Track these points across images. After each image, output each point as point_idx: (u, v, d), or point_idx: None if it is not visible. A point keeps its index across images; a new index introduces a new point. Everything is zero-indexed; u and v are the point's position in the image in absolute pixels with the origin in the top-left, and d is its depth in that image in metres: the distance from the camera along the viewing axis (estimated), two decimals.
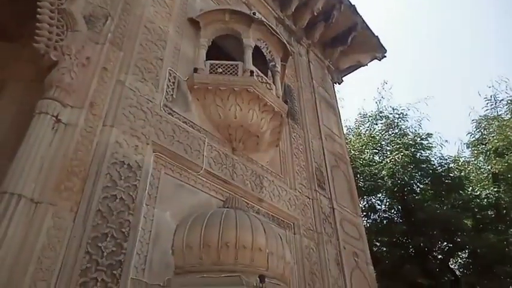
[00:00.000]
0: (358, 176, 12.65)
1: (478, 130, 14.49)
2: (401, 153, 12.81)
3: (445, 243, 12.75)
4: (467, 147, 14.80)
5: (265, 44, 6.32)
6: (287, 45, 6.80)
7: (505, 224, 12.35)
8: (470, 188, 12.96)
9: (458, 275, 12.72)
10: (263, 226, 4.35)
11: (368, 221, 13.40)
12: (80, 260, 3.14)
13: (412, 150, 13.27)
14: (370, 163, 13.72)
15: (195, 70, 5.32)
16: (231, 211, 4.40)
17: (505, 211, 12.54)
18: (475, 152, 14.29)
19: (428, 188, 13.00)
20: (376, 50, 10.09)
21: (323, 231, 6.04)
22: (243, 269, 3.87)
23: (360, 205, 10.07)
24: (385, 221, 13.30)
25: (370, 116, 15.84)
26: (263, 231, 4.25)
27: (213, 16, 6.05)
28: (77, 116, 3.69)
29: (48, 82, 3.67)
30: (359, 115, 16.42)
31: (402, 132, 14.56)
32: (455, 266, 13.50)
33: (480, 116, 14.71)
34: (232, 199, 4.79)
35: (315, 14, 8.76)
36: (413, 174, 12.95)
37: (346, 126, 15.25)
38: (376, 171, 13.07)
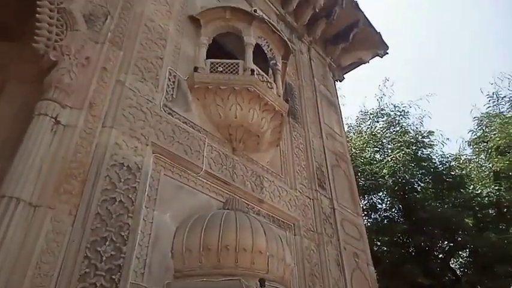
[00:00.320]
0: (359, 174, 12.61)
1: (479, 128, 14.42)
2: (403, 152, 12.76)
3: (446, 242, 12.73)
4: (469, 145, 14.73)
5: (266, 42, 6.25)
6: (288, 43, 6.73)
7: (506, 223, 12.31)
8: (472, 186, 12.91)
9: (459, 274, 12.72)
10: (263, 228, 4.33)
11: (369, 220, 13.38)
12: (78, 264, 3.10)
13: (413, 148, 13.22)
14: (371, 161, 13.68)
15: (196, 69, 5.26)
16: (231, 213, 4.37)
17: (506, 210, 12.50)
18: (477, 150, 14.22)
19: (430, 186, 12.97)
20: (378, 46, 10.00)
21: (323, 231, 6.01)
22: (243, 272, 3.86)
23: (361, 204, 10.05)
24: (385, 220, 13.28)
25: (371, 114, 15.76)
26: (263, 233, 4.23)
27: (213, 14, 5.98)
28: (76, 117, 3.65)
29: (47, 83, 3.62)
30: (360, 113, 16.35)
31: (403, 130, 14.49)
32: (456, 265, 13.50)
33: (482, 114, 14.63)
34: (232, 200, 4.77)
35: (317, 10, 8.67)
36: (415, 172, 12.90)
37: (347, 124, 15.21)
38: (377, 169, 13.03)
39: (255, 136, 5.52)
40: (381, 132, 14.86)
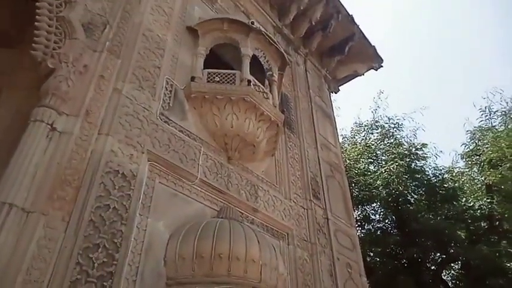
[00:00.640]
0: (353, 185, 12.68)
1: (472, 141, 14.58)
2: (396, 163, 12.86)
3: (438, 254, 12.78)
4: (462, 158, 14.89)
5: (263, 53, 6.33)
6: (285, 54, 6.83)
7: (498, 236, 12.39)
8: (464, 199, 13.04)
9: (451, 286, 12.74)
10: (257, 237, 4.34)
11: (362, 231, 13.42)
12: (70, 271, 3.09)
13: (407, 160, 13.35)
14: (365, 173, 13.77)
15: (193, 79, 5.32)
16: (225, 221, 4.39)
17: (497, 222, 12.60)
18: (469, 163, 14.37)
19: (423, 198, 13.06)
20: (372, 60, 10.16)
21: (317, 241, 6.02)
22: (236, 280, 3.87)
23: (354, 215, 10.06)
24: (379, 231, 13.33)
25: (365, 126, 15.90)
26: (257, 242, 4.24)
27: (211, 25, 6.07)
28: (72, 124, 3.67)
29: (44, 90, 3.65)
30: (355, 124, 16.50)
31: (397, 142, 14.63)
32: (448, 277, 13.52)
33: (475, 127, 14.81)
34: (226, 209, 4.78)
35: (313, 23, 8.81)
36: (408, 184, 13.00)
37: (341, 135, 15.31)
38: (371, 180, 13.11)
39: (250, 146, 5.56)
40: (375, 144, 14.99)
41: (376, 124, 15.62)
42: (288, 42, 8.61)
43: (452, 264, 13.24)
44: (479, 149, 13.87)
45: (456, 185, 13.57)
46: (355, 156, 14.41)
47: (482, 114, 14.80)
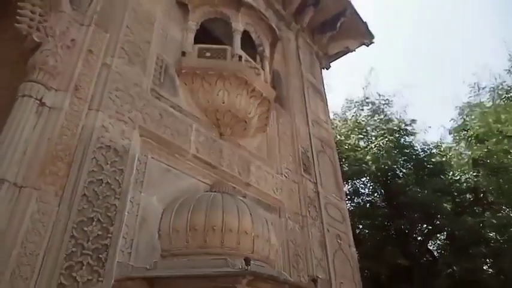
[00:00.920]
0: (344, 160, 12.84)
1: (460, 117, 14.77)
2: (386, 139, 13.03)
3: (425, 225, 13.18)
4: (450, 134, 15.10)
5: (254, 29, 6.26)
6: (276, 30, 6.75)
7: (482, 207, 12.81)
8: (451, 172, 13.33)
9: (437, 256, 13.21)
10: (249, 210, 4.43)
11: (352, 204, 13.71)
12: (65, 244, 3.15)
13: (397, 135, 13.53)
14: (356, 148, 13.92)
15: (183, 54, 5.26)
16: (217, 195, 4.45)
17: (482, 195, 12.98)
18: (457, 138, 14.60)
19: (411, 172, 13.33)
20: (364, 36, 10.10)
21: (308, 214, 6.17)
22: (229, 252, 3.96)
23: (344, 189, 10.29)
24: (368, 205, 13.64)
25: (356, 102, 15.96)
26: (249, 214, 4.33)
27: None
28: (62, 99, 3.64)
29: (31, 64, 3.60)
30: (346, 101, 16.53)
31: (387, 118, 14.76)
32: (433, 247, 14.00)
33: (463, 103, 14.97)
34: (219, 184, 4.85)
35: None
36: (397, 159, 13.22)
37: (332, 111, 15.36)
38: (361, 156, 13.28)
39: (242, 121, 5.59)
40: (366, 120, 15.11)
41: (367, 101, 15.70)
42: (279, 17, 8.48)
43: (438, 235, 13.68)
44: (467, 124, 14.08)
45: (444, 159, 13.84)
46: (346, 132, 14.54)
47: (471, 90, 14.96)
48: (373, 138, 13.99)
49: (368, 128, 14.82)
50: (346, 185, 13.39)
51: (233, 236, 4.05)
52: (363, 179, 13.99)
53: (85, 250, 3.26)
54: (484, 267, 11.97)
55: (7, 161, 3.09)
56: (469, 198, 13.17)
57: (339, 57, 10.53)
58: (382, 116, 14.91)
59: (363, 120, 15.07)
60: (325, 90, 9.28)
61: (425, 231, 13.28)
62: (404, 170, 13.57)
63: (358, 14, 9.64)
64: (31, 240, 3.00)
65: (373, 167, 12.83)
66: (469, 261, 10.94)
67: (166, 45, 5.21)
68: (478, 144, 12.76)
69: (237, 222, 4.12)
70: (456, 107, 15.00)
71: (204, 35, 5.99)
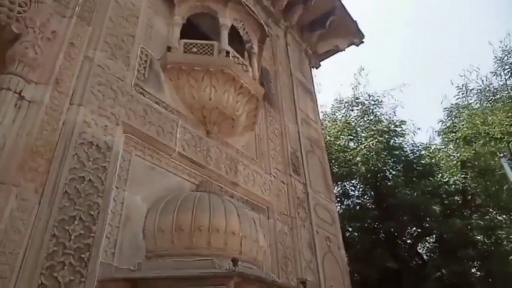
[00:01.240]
0: (333, 161, 12.81)
1: (449, 118, 14.90)
2: (376, 140, 13.03)
3: (414, 228, 13.19)
4: (439, 135, 15.22)
5: (242, 24, 6.17)
6: (264, 26, 6.67)
7: (470, 210, 12.89)
8: (440, 174, 13.37)
9: (426, 259, 13.22)
10: (237, 210, 4.33)
11: (341, 206, 13.65)
12: (46, 243, 3.03)
13: (386, 137, 13.53)
14: (345, 149, 13.91)
15: (169, 49, 5.15)
16: (204, 195, 4.35)
17: (470, 197, 13.07)
18: (446, 139, 14.71)
19: (400, 174, 13.34)
20: (354, 35, 10.11)
21: (297, 215, 6.09)
22: (216, 252, 3.86)
23: (334, 191, 10.21)
24: (357, 207, 13.59)
25: (346, 102, 15.96)
26: (237, 215, 4.23)
27: None
28: (42, 93, 3.52)
29: (10, 56, 3.47)
30: (335, 101, 16.49)
31: (377, 118, 14.78)
32: (422, 250, 14.02)
33: (452, 105, 15.10)
34: (206, 183, 4.74)
35: None
36: (387, 160, 13.23)
37: (322, 112, 15.28)
38: (351, 157, 13.27)
39: (229, 119, 5.48)
40: (355, 121, 15.11)
41: (357, 101, 15.71)
42: (268, 14, 8.40)
43: (427, 238, 13.70)
44: (455, 126, 14.20)
45: (433, 161, 13.89)
46: (335, 133, 14.50)
47: (459, 92, 15.09)
48: (363, 139, 13.98)
49: (358, 129, 14.82)
50: (336, 187, 13.33)
51: (220, 236, 3.95)
52: (352, 181, 13.97)
53: (67, 250, 3.14)
54: (472, 270, 12.02)
55: None
56: (458, 201, 13.25)
57: (328, 56, 10.53)
58: (371, 117, 14.93)
59: (352, 121, 15.07)
60: (315, 90, 9.24)
61: (415, 234, 13.30)
62: (393, 172, 13.59)
63: (348, 13, 9.65)
64: (10, 238, 2.87)
65: (363, 168, 12.83)
66: (458, 264, 10.96)
67: (151, 40, 5.10)
68: (465, 146, 12.86)
69: (225, 223, 4.03)
70: (445, 108, 15.15)
71: (190, 30, 5.88)
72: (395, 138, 13.95)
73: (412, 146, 14.33)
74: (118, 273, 3.45)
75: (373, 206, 13.43)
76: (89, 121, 3.77)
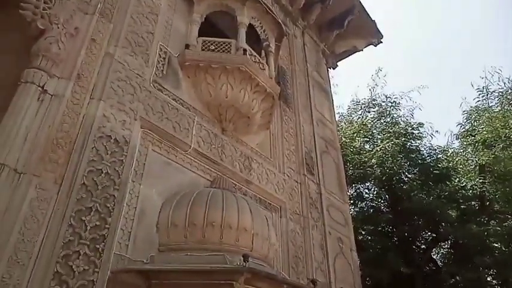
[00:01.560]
0: (348, 163, 12.66)
1: (468, 121, 14.48)
2: (392, 142, 12.81)
3: (429, 233, 12.95)
4: (457, 139, 14.81)
5: (260, 23, 6.18)
6: (282, 24, 6.67)
7: (488, 216, 12.56)
8: (457, 179, 13.05)
9: (440, 265, 12.97)
10: (249, 207, 4.36)
11: (355, 209, 13.48)
12: (63, 232, 3.13)
13: (403, 139, 13.27)
14: (360, 151, 13.73)
15: (187, 46, 5.22)
16: (218, 191, 4.40)
17: (488, 203, 12.73)
18: (464, 143, 14.34)
19: (416, 178, 13.09)
20: (372, 35, 9.98)
21: (309, 215, 6.08)
22: (228, 248, 3.90)
23: (348, 193, 10.12)
24: (371, 210, 13.41)
25: (363, 104, 15.71)
26: (249, 212, 4.26)
27: None
28: (64, 87, 3.62)
29: (34, 51, 3.58)
30: (352, 102, 16.26)
31: (394, 121, 14.50)
32: (437, 256, 13.76)
33: (471, 107, 14.66)
34: (219, 179, 4.79)
35: None
36: (402, 163, 12.99)
37: (338, 112, 15.17)
38: (366, 159, 13.08)
39: (245, 117, 5.52)
40: (372, 123, 14.86)
41: (374, 102, 15.45)
42: (285, 13, 8.39)
43: (442, 243, 13.43)
44: (474, 129, 13.83)
45: (450, 165, 13.57)
46: (351, 135, 14.33)
47: (479, 94, 14.65)
48: (379, 142, 13.77)
49: (374, 131, 14.58)
50: (350, 189, 13.20)
51: (232, 232, 3.99)
52: (367, 184, 13.79)
53: (82, 240, 3.23)
54: (488, 278, 11.74)
55: (8, 147, 3.07)
56: (475, 206, 12.91)
57: (346, 57, 10.42)
58: (388, 119, 14.65)
59: (369, 123, 14.85)
60: (332, 90, 9.18)
61: (429, 239, 13.04)
62: (409, 175, 13.34)
63: (366, 12, 9.51)
64: (29, 227, 2.98)
65: (378, 171, 12.65)
66: (473, 271, 10.70)
67: (170, 37, 5.18)
68: (484, 150, 12.54)
69: (237, 219, 4.07)
70: (464, 111, 14.73)
71: (208, 28, 5.94)
72: (412, 141, 13.66)
73: (430, 149, 14.01)
74: (131, 265, 3.53)
75: (387, 210, 13.25)
76: (108, 115, 3.87)
